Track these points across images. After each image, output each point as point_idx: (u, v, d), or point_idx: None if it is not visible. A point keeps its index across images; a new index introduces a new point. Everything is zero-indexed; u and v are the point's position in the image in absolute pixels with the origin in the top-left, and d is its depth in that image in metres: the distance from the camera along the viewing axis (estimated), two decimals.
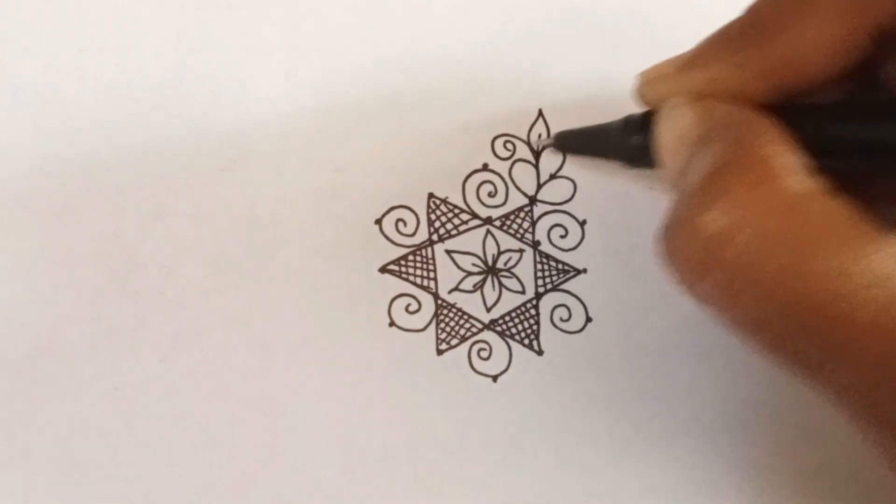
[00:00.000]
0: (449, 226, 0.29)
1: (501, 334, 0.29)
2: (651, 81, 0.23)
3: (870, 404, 0.17)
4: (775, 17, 0.20)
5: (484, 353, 0.29)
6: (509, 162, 0.29)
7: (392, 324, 0.28)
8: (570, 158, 0.29)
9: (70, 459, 0.27)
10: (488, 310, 0.29)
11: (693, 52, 0.22)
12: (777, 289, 0.17)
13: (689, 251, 0.18)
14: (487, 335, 0.29)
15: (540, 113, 0.29)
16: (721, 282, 0.18)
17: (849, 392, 0.18)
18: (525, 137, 0.29)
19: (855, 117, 0.21)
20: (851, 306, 0.17)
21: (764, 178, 0.18)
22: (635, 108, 0.30)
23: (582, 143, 0.27)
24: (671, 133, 0.22)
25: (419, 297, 0.29)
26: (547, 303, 0.29)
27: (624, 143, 0.24)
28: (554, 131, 0.29)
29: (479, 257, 0.29)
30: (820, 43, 0.20)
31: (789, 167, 0.18)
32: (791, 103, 0.21)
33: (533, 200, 0.29)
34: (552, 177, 0.29)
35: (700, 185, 0.18)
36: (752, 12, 0.21)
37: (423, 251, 0.29)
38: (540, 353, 0.29)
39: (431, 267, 0.29)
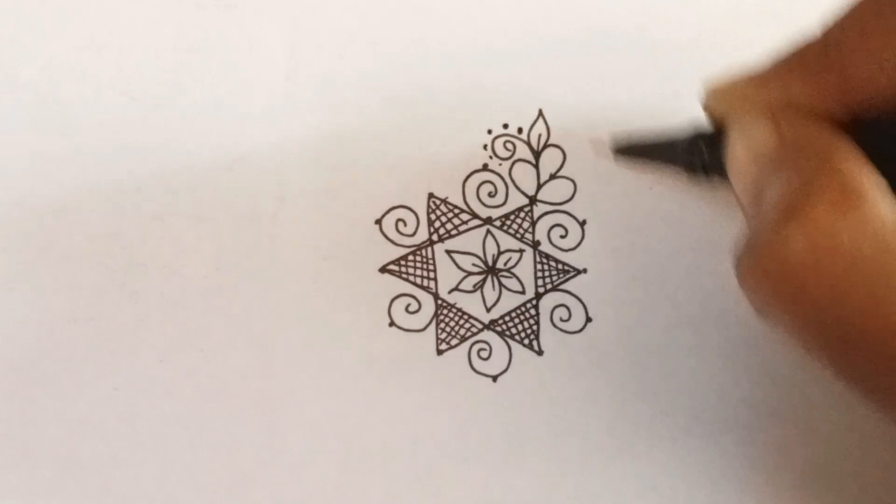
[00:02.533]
0: (449, 226, 0.29)
1: (501, 334, 0.29)
2: (721, 93, 0.23)
3: None
4: (856, 38, 0.20)
5: (484, 353, 0.29)
6: (509, 162, 0.29)
7: (392, 324, 0.28)
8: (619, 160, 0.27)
9: (70, 459, 0.27)
10: (488, 310, 0.29)
11: (770, 69, 0.22)
12: (863, 320, 0.17)
13: (772, 278, 0.18)
14: (487, 335, 0.29)
15: (540, 113, 0.29)
16: (807, 312, 0.17)
17: None
18: (525, 137, 0.29)
19: None
20: None
21: (855, 202, 0.17)
22: (636, 110, 0.30)
23: (643, 153, 0.26)
24: (747, 150, 0.21)
25: (419, 297, 0.29)
26: (547, 303, 0.29)
27: (692, 155, 0.24)
28: (563, 131, 0.29)
29: (479, 257, 0.29)
30: None
31: (878, 192, 0.18)
32: (863, 121, 0.21)
33: (533, 200, 0.29)
34: (552, 177, 0.29)
35: (784, 207, 0.18)
36: (831, 33, 0.21)
37: (423, 251, 0.29)
38: (540, 353, 0.29)
39: (431, 267, 0.29)
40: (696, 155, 0.23)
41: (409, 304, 0.29)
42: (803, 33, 0.21)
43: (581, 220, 0.29)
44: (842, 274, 0.17)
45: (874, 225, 0.17)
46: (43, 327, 0.27)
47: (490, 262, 0.29)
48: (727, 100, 0.23)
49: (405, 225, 0.29)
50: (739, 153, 0.21)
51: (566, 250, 0.29)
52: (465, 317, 0.29)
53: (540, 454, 0.28)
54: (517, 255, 0.29)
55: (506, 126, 0.29)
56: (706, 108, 0.24)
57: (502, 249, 0.29)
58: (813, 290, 0.17)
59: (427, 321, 0.29)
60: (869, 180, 0.18)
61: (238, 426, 0.28)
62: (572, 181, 0.29)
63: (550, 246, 0.29)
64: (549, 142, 0.29)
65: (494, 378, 0.29)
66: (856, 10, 0.20)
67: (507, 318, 0.29)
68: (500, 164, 0.29)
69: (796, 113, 0.21)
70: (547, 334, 0.29)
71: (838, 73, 0.20)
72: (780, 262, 0.17)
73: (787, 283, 0.17)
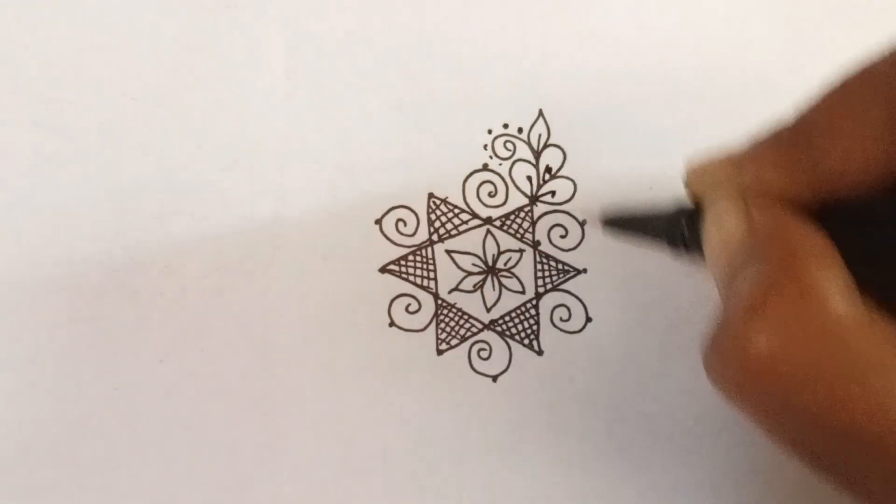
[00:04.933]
0: (449, 226, 0.29)
1: (501, 334, 0.29)
2: (700, 173, 0.24)
3: None
4: (825, 127, 0.20)
5: (484, 353, 0.29)
6: (509, 162, 0.29)
7: (392, 324, 0.28)
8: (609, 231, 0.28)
9: (70, 459, 0.27)
10: (488, 310, 0.29)
11: (744, 152, 0.23)
12: (822, 413, 0.18)
13: (734, 370, 0.19)
14: (487, 335, 0.29)
15: (540, 113, 0.29)
16: (765, 403, 0.18)
17: None
18: (525, 137, 0.29)
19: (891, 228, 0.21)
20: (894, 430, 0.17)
21: (810, 301, 0.18)
22: (634, 108, 0.30)
23: (630, 226, 0.27)
24: (718, 235, 0.22)
25: (419, 297, 0.29)
26: (547, 303, 0.29)
27: (671, 232, 0.24)
28: (563, 131, 0.29)
29: (479, 257, 0.29)
30: (866, 157, 0.20)
31: (835, 289, 0.18)
32: (836, 208, 0.21)
33: (533, 200, 0.29)
34: (552, 177, 0.29)
35: (746, 304, 0.19)
36: (802, 122, 0.21)
37: (423, 251, 0.29)
38: (540, 352, 0.29)
39: (431, 267, 0.29)
40: (677, 231, 0.24)
41: (409, 304, 0.29)
42: (778, 119, 0.22)
43: (581, 220, 0.29)
44: (798, 369, 0.18)
45: (827, 324, 0.18)
46: (43, 327, 0.27)
47: (490, 262, 0.29)
48: (704, 180, 0.23)
49: (405, 225, 0.29)
50: (712, 237, 0.22)
51: (566, 250, 0.29)
52: (465, 317, 0.29)
53: (540, 454, 0.28)
54: (517, 255, 0.29)
55: (506, 126, 0.29)
56: (686, 186, 0.24)
57: (502, 249, 0.29)
58: (772, 386, 0.18)
59: (427, 321, 0.29)
60: (829, 276, 0.19)
61: (238, 426, 0.28)
62: (572, 181, 0.29)
63: (550, 246, 0.29)
64: (549, 142, 0.29)
65: (494, 378, 0.29)
66: (825, 99, 0.21)
67: (507, 318, 0.29)
68: (500, 164, 0.29)
69: (767, 200, 0.22)
70: (547, 334, 0.29)
71: (808, 163, 0.21)
72: (740, 360, 0.19)
73: (747, 379, 0.18)
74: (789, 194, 0.21)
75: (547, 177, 0.29)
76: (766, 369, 0.18)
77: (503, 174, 0.29)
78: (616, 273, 0.29)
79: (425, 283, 0.29)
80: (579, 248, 0.29)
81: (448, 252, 0.29)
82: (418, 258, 0.29)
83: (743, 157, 0.23)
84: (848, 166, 0.20)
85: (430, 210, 0.29)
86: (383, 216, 0.29)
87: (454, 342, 0.29)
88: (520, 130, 0.29)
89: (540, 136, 0.29)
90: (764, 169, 0.22)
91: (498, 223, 0.29)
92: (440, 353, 0.29)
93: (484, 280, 0.29)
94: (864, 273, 0.20)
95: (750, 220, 0.21)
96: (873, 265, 0.21)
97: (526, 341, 0.29)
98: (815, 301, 0.18)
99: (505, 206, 0.29)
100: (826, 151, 0.20)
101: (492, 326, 0.29)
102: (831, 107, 0.20)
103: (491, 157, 0.29)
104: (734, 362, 0.19)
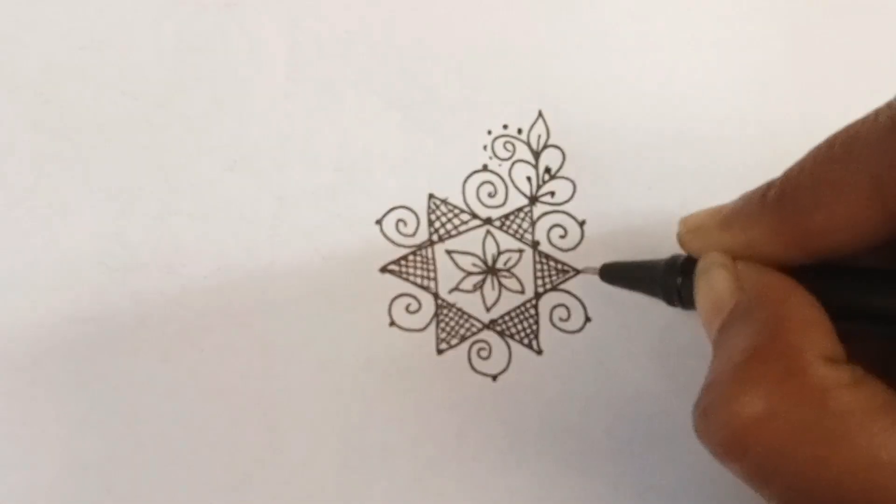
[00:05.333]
0: (449, 226, 0.29)
1: (501, 334, 0.29)
2: (692, 232, 0.25)
3: None
4: (810, 194, 0.21)
5: (484, 353, 0.29)
6: (509, 162, 0.29)
7: (392, 324, 0.28)
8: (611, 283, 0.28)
9: (70, 459, 0.27)
10: (488, 309, 0.29)
11: (732, 211, 0.23)
12: (807, 477, 0.18)
13: (723, 436, 0.20)
14: (487, 335, 0.29)
15: (540, 113, 0.29)
16: (753, 466, 0.19)
17: None
18: (525, 138, 0.29)
19: (883, 285, 0.22)
20: (879, 498, 0.18)
21: (793, 370, 0.19)
22: (633, 109, 0.30)
23: (626, 277, 0.27)
24: (707, 296, 0.23)
25: (419, 297, 0.29)
26: (546, 302, 0.29)
27: (665, 284, 0.25)
28: (563, 131, 0.29)
29: (479, 257, 0.29)
30: (851, 220, 0.20)
31: (818, 357, 0.19)
32: (824, 266, 0.22)
33: (533, 200, 0.29)
34: (552, 177, 0.29)
35: (734, 371, 0.20)
36: (787, 182, 0.22)
37: (424, 251, 0.29)
38: (539, 352, 0.29)
39: (431, 267, 0.29)
40: (672, 284, 0.25)
41: (409, 304, 0.29)
42: (767, 181, 0.22)
43: (581, 220, 0.29)
44: (783, 434, 0.19)
45: (811, 390, 0.19)
46: (43, 327, 0.27)
47: (490, 262, 0.29)
48: (697, 237, 0.24)
49: (405, 225, 0.29)
50: (703, 296, 0.23)
51: (566, 250, 0.29)
52: (465, 316, 0.29)
53: (540, 454, 0.28)
54: (517, 255, 0.29)
55: (506, 126, 0.29)
56: (680, 241, 0.25)
57: (502, 249, 0.29)
58: (758, 449, 0.19)
59: (427, 321, 0.29)
60: (813, 341, 0.20)
61: (238, 426, 0.28)
62: (572, 181, 0.29)
63: (550, 246, 0.29)
64: (549, 142, 0.29)
65: (494, 378, 0.29)
66: (810, 161, 0.21)
67: (506, 318, 0.29)
68: (500, 165, 0.29)
69: (754, 262, 0.22)
70: (546, 334, 0.29)
71: (794, 226, 0.21)
72: (727, 424, 0.19)
73: (734, 441, 0.19)
74: (777, 254, 0.22)
75: (546, 177, 0.29)
76: (751, 433, 0.19)
77: (503, 175, 0.29)
78: None
79: (425, 283, 0.29)
80: (579, 248, 0.29)
81: (448, 252, 0.29)
82: (418, 258, 0.29)
83: (732, 217, 0.23)
84: (833, 228, 0.21)
85: (430, 210, 0.29)
86: (383, 216, 0.29)
87: (454, 342, 0.29)
88: (519, 131, 0.29)
89: (539, 136, 0.29)
90: (752, 229, 0.22)
91: (498, 223, 0.29)
92: (440, 352, 0.29)
93: (484, 280, 0.29)
94: (856, 326, 0.21)
95: (738, 282, 0.22)
96: (866, 321, 0.22)
97: (525, 341, 0.29)
98: (800, 369, 0.19)
99: (505, 207, 0.29)
100: (811, 214, 0.21)
101: (491, 326, 0.29)
102: (816, 170, 0.21)
103: (491, 158, 0.29)
104: (721, 425, 0.20)
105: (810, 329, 0.20)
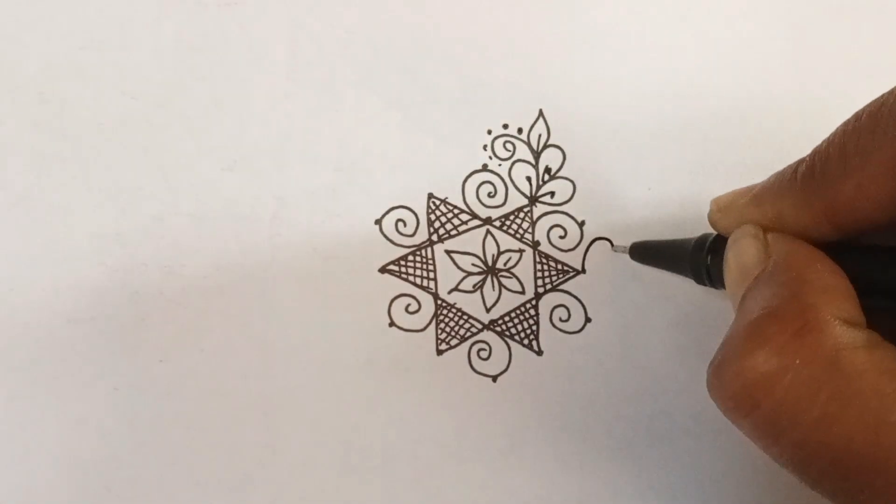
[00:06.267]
0: (449, 226, 0.29)
1: (501, 334, 0.29)
2: (723, 209, 0.25)
3: None
4: (838, 164, 0.21)
5: (483, 353, 0.29)
6: (509, 162, 0.29)
7: (392, 324, 0.28)
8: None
9: (70, 459, 0.27)
10: (488, 310, 0.29)
11: (762, 187, 0.24)
12: (816, 434, 0.18)
13: (734, 390, 0.20)
14: (487, 335, 0.29)
15: (540, 113, 0.29)
16: (763, 422, 0.19)
17: None
18: (525, 138, 0.29)
19: None
20: (886, 457, 0.18)
21: (809, 327, 0.19)
22: (633, 109, 0.30)
23: (656, 255, 0.28)
24: (735, 263, 0.23)
25: (419, 297, 0.29)
26: (546, 303, 0.29)
27: (695, 262, 0.26)
28: (563, 131, 0.29)
29: (478, 257, 0.29)
30: (878, 193, 0.20)
31: (835, 317, 0.19)
32: (853, 243, 0.22)
33: (532, 201, 0.29)
34: (552, 177, 0.29)
35: (749, 327, 0.20)
36: (816, 154, 0.22)
37: (423, 251, 0.29)
38: (539, 353, 0.29)
39: (431, 267, 0.29)
40: (700, 261, 0.25)
41: (409, 304, 0.29)
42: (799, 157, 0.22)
43: (580, 220, 0.29)
44: (793, 391, 0.19)
45: (823, 349, 0.19)
46: (43, 327, 0.27)
47: (490, 263, 0.29)
48: (728, 216, 0.25)
49: (405, 225, 0.29)
50: (731, 264, 0.23)
51: (565, 251, 0.29)
52: (465, 317, 0.29)
53: (540, 454, 0.28)
54: (517, 255, 0.29)
55: (506, 126, 0.29)
56: (711, 220, 0.25)
57: (502, 249, 0.29)
58: (769, 405, 0.19)
59: (427, 321, 0.29)
60: (833, 305, 0.20)
61: (238, 426, 0.28)
62: (572, 182, 0.29)
63: (550, 246, 0.29)
64: (549, 142, 0.29)
65: (494, 378, 0.29)
66: (838, 135, 0.21)
67: (506, 318, 0.29)
68: (500, 165, 0.29)
69: (783, 234, 0.23)
70: (546, 334, 0.29)
71: (823, 198, 0.21)
72: (738, 379, 0.20)
73: (744, 397, 0.20)
74: (807, 228, 0.22)
75: (546, 177, 0.29)
76: (762, 388, 0.19)
77: (503, 174, 0.29)
78: (616, 273, 0.29)
79: (425, 283, 0.29)
80: (579, 248, 0.29)
81: (448, 252, 0.29)
82: (418, 258, 0.29)
83: (763, 193, 0.23)
84: (861, 201, 0.21)
85: (430, 210, 0.29)
86: (383, 216, 0.29)
87: (454, 342, 0.29)
88: (519, 131, 0.29)
89: (540, 136, 0.29)
90: (782, 205, 0.23)
91: (497, 223, 0.29)
92: (440, 353, 0.29)
93: (484, 280, 0.29)
94: (882, 304, 0.21)
95: (766, 251, 0.22)
96: (891, 298, 0.22)
97: (525, 341, 0.29)
98: (816, 327, 0.19)
99: (504, 207, 0.29)
100: (839, 187, 0.21)
101: (491, 326, 0.29)
102: (844, 143, 0.21)
103: (490, 158, 0.29)
104: (732, 379, 0.20)
105: (830, 292, 0.20)
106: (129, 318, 0.28)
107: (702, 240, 0.26)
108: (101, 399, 0.27)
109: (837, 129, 0.21)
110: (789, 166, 0.23)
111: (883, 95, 0.21)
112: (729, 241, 0.24)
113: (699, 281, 0.26)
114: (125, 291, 0.28)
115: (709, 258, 0.25)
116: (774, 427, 0.19)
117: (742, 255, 0.23)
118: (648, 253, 0.28)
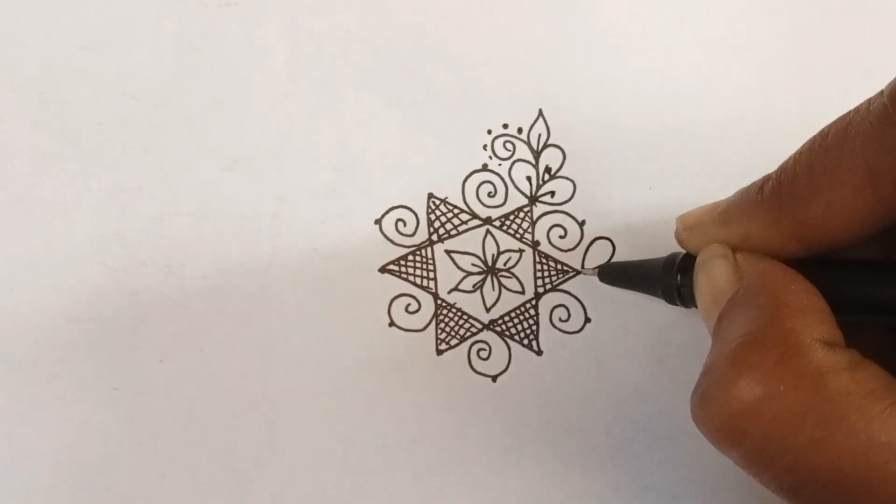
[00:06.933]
0: (449, 226, 0.29)
1: (501, 334, 0.29)
2: (690, 228, 0.25)
3: None
4: (806, 183, 0.21)
5: (483, 353, 0.29)
6: (509, 162, 0.29)
7: (392, 324, 0.28)
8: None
9: (70, 459, 0.27)
10: (488, 310, 0.29)
11: (729, 205, 0.23)
12: (806, 460, 0.18)
13: (721, 420, 0.20)
14: (487, 335, 0.29)
15: (540, 113, 0.29)
16: (752, 451, 0.19)
17: None
18: (525, 137, 0.29)
19: (880, 276, 0.22)
20: (877, 478, 0.18)
21: (791, 353, 0.19)
22: (633, 109, 0.30)
23: (624, 277, 0.28)
24: (707, 286, 0.23)
25: (419, 297, 0.29)
26: (546, 303, 0.29)
27: (665, 283, 0.26)
28: (563, 131, 0.29)
29: (478, 257, 0.29)
30: (847, 211, 0.20)
31: (815, 340, 0.19)
32: (823, 258, 0.22)
33: (532, 200, 0.29)
34: (552, 177, 0.29)
35: (731, 355, 0.20)
36: (783, 173, 0.22)
37: (423, 251, 0.29)
38: (539, 353, 0.29)
39: (431, 267, 0.29)
40: (670, 282, 0.25)
41: (408, 304, 0.29)
42: (764, 175, 0.22)
43: (580, 220, 0.29)
44: (780, 418, 0.19)
45: (807, 374, 0.19)
46: (43, 327, 0.27)
47: (490, 262, 0.29)
48: (695, 234, 0.25)
49: (405, 225, 0.29)
50: (702, 287, 0.23)
51: (565, 250, 0.29)
52: (465, 317, 0.29)
53: (539, 454, 0.28)
54: (517, 255, 0.29)
55: (506, 126, 0.29)
56: (678, 239, 0.25)
57: (502, 249, 0.29)
58: (756, 433, 0.19)
59: (427, 321, 0.29)
60: (811, 326, 0.20)
61: (238, 426, 0.28)
62: (572, 181, 0.29)
63: (550, 246, 0.29)
64: (549, 142, 0.29)
65: (494, 378, 0.29)
66: (804, 154, 0.21)
67: (506, 318, 0.29)
68: (500, 165, 0.29)
69: (753, 253, 0.22)
70: (546, 334, 0.29)
71: (791, 218, 0.21)
72: (725, 412, 0.19)
73: (732, 429, 0.19)
74: (776, 246, 0.22)
75: (546, 177, 0.29)
76: (749, 418, 0.19)
77: (503, 174, 0.29)
78: None
79: (425, 283, 0.29)
80: (579, 247, 0.29)
81: (448, 252, 0.29)
82: (418, 258, 0.29)
83: (729, 211, 0.23)
84: (830, 221, 0.21)
85: (430, 210, 0.29)
86: (383, 216, 0.29)
87: (454, 342, 0.29)
88: (519, 130, 0.29)
89: (540, 136, 0.29)
90: (749, 222, 0.22)
91: (497, 223, 0.29)
92: (440, 353, 0.29)
93: (483, 280, 0.29)
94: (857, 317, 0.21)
95: (737, 272, 0.22)
96: (865, 313, 0.22)
97: (525, 341, 0.29)
98: (797, 352, 0.19)
99: (504, 207, 0.29)
100: (806, 203, 0.21)
101: (491, 326, 0.29)
102: (810, 159, 0.21)
103: (490, 158, 0.29)
104: (718, 410, 0.20)
105: (808, 314, 0.20)
106: (129, 318, 0.28)
107: (671, 259, 0.26)
108: (101, 399, 0.27)
109: (804, 146, 0.21)
110: (754, 183, 0.23)
111: (849, 113, 0.21)
112: (698, 262, 0.24)
113: (670, 301, 0.26)
114: (125, 291, 0.28)
115: (678, 277, 0.25)
116: (763, 455, 0.19)
117: (713, 277, 0.23)
118: (618, 275, 0.28)
